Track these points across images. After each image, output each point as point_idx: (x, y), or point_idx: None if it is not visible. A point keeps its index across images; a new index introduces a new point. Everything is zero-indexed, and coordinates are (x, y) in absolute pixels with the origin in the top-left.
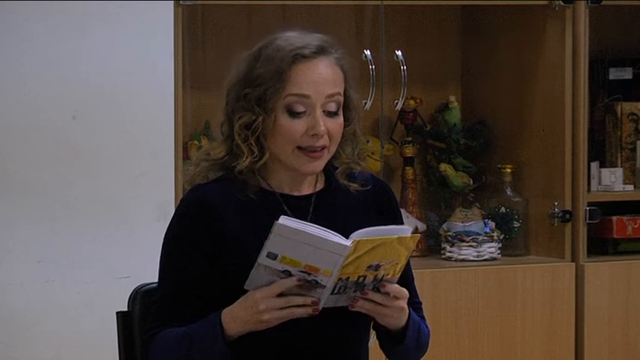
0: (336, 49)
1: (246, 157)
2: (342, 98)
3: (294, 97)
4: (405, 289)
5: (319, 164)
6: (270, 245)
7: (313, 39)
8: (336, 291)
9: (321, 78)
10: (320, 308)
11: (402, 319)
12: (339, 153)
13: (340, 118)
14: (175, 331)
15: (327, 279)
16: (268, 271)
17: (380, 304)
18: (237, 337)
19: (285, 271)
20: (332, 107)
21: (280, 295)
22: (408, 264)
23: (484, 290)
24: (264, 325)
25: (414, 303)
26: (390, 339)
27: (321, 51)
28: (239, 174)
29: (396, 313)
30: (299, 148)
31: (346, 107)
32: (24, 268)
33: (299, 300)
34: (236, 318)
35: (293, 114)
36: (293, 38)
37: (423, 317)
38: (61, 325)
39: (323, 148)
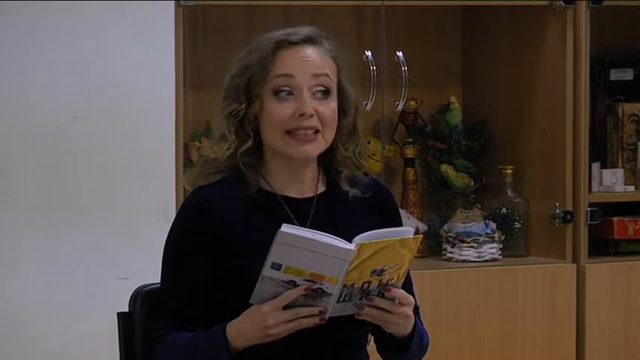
0: (325, 40)
1: (230, 144)
2: (332, 83)
3: (280, 78)
4: (410, 296)
5: (311, 148)
6: (273, 255)
7: (302, 29)
8: (341, 299)
9: (306, 59)
10: (327, 317)
11: (408, 327)
12: (338, 146)
13: (332, 103)
14: (182, 336)
15: (333, 286)
16: (273, 283)
17: (386, 310)
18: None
19: (290, 281)
20: (320, 89)
21: (286, 306)
22: None
23: (485, 291)
24: (271, 339)
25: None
26: (394, 346)
27: (308, 40)
28: (226, 160)
29: (401, 320)
30: (288, 132)
31: (342, 99)
32: (24, 269)
33: (306, 311)
34: (242, 333)
35: (280, 98)
36: (282, 30)
37: (420, 321)
38: (61, 325)
39: (315, 131)
